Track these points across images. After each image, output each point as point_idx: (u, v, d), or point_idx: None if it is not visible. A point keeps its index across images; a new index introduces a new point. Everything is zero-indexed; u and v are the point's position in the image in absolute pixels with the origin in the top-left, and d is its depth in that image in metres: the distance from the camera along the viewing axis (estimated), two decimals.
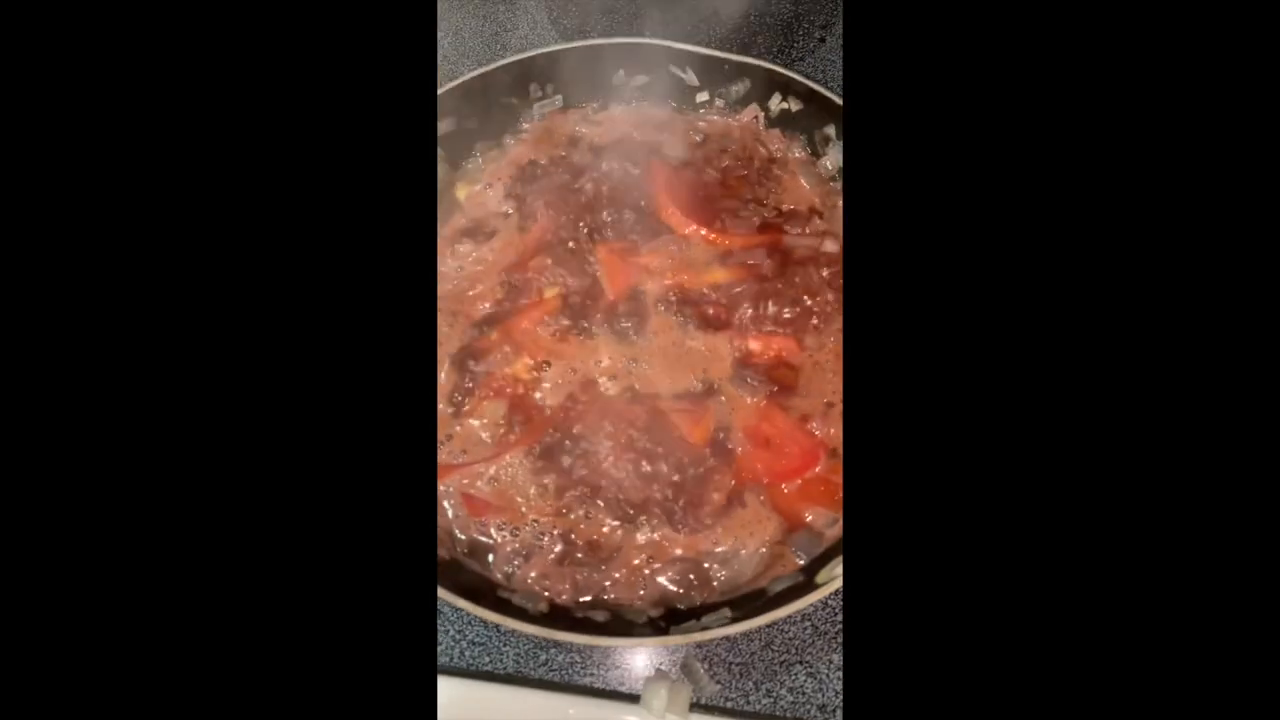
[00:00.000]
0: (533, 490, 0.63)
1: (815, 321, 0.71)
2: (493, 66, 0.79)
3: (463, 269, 0.75)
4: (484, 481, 0.64)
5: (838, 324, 0.71)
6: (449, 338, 0.71)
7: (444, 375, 0.69)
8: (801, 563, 0.62)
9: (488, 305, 0.72)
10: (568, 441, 0.64)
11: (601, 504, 0.62)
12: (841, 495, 0.63)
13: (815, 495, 0.64)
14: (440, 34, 1.02)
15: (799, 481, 0.64)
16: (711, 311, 0.70)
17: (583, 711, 0.62)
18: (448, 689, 0.62)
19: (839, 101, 0.77)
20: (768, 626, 0.65)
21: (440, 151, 0.78)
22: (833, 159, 0.81)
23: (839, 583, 0.57)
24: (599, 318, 0.70)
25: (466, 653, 0.64)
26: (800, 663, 0.64)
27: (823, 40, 1.01)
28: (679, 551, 0.62)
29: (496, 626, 0.65)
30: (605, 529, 0.62)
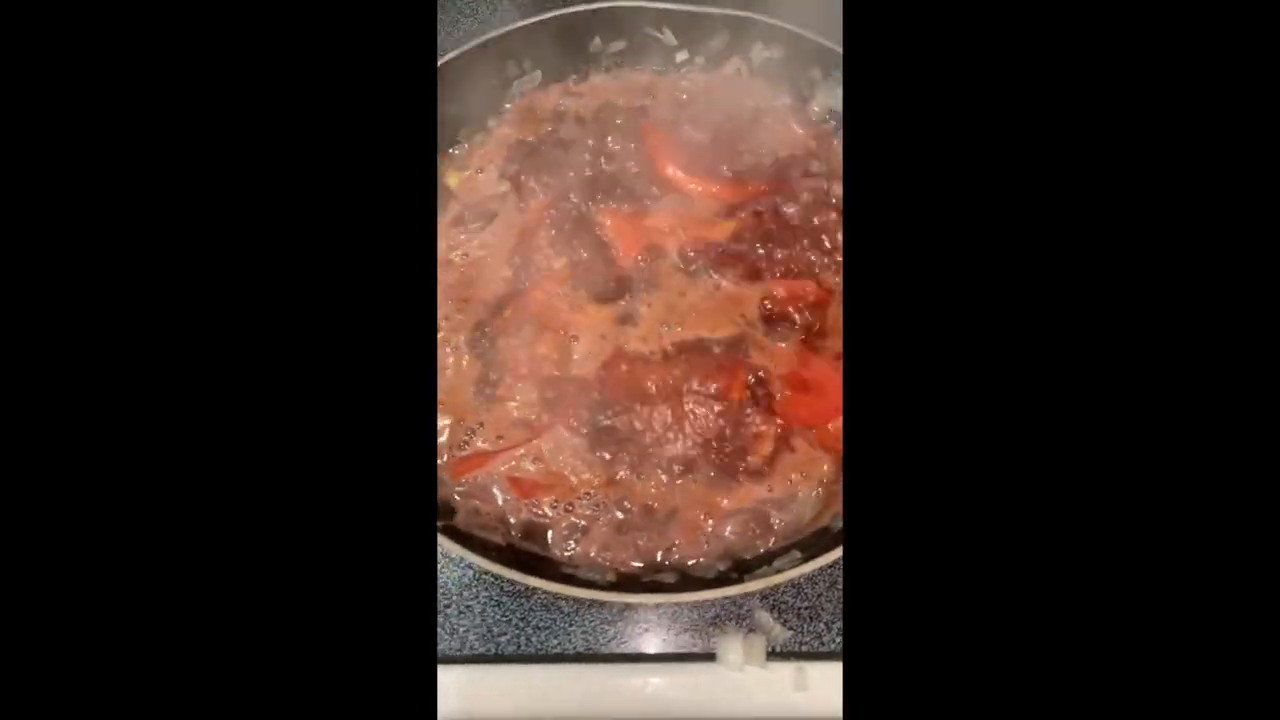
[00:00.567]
0: (578, 463, 0.62)
1: (827, 261, 0.71)
2: (465, 48, 0.77)
3: (468, 255, 0.73)
4: (529, 463, 0.63)
5: None
6: (463, 325, 0.69)
7: (465, 363, 0.67)
8: None
9: (499, 287, 0.71)
10: (607, 409, 0.63)
11: (651, 466, 0.62)
12: None
13: None
14: None
15: (842, 420, 0.64)
16: (730, 263, 0.70)
17: (663, 678, 0.61)
18: (515, 675, 0.61)
19: (822, 42, 0.77)
20: (830, 567, 0.65)
21: None
22: (820, 101, 0.81)
23: None
24: (614, 284, 0.69)
25: (533, 639, 0.63)
26: None
27: None
28: (736, 503, 0.61)
29: (561, 609, 0.64)
30: (655, 490, 0.62)
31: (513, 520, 0.61)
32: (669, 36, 0.83)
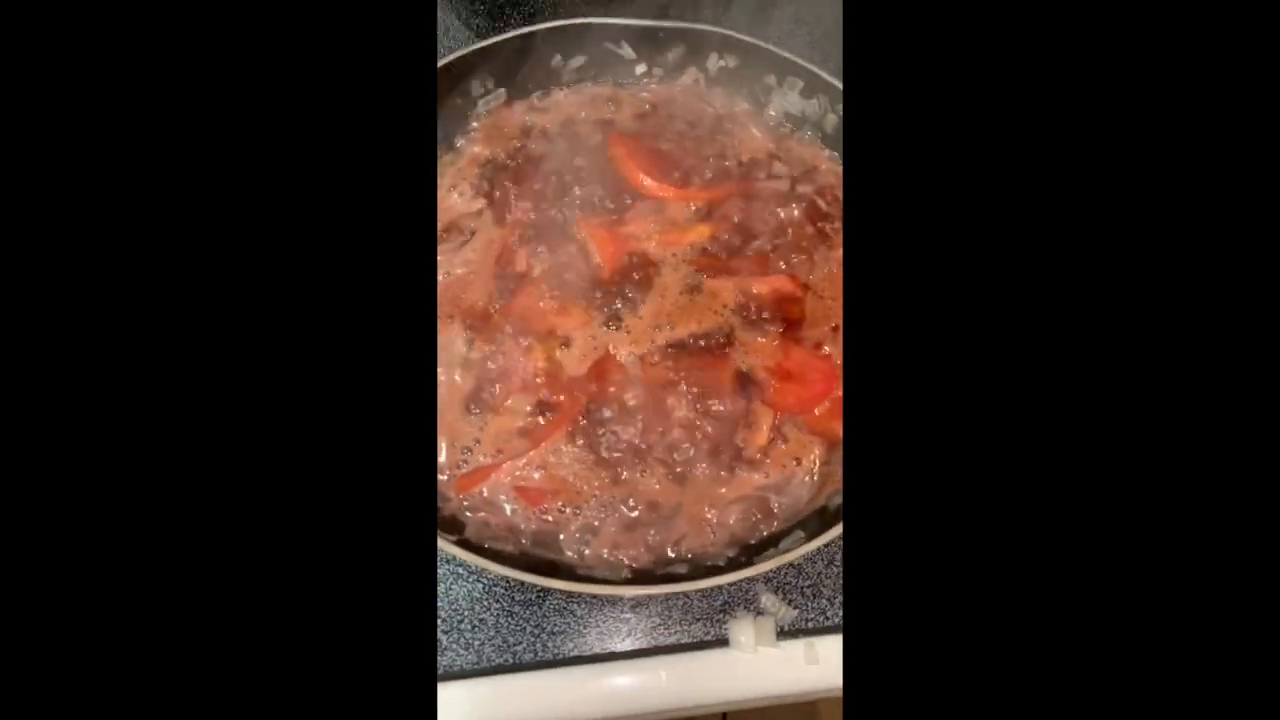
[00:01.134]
0: (581, 467, 0.64)
1: (799, 257, 0.75)
2: None
3: (450, 274, 0.74)
4: (534, 471, 0.64)
5: (822, 252, 0.75)
6: (453, 341, 0.70)
7: (458, 378, 0.68)
8: None
9: (484, 302, 0.72)
10: (605, 411, 0.65)
11: (652, 463, 0.64)
12: None
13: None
14: None
15: (827, 403, 0.68)
16: (709, 263, 0.73)
17: (680, 667, 0.63)
18: (535, 681, 0.62)
19: (774, 50, 0.81)
20: (827, 545, 0.68)
21: None
22: (776, 105, 0.85)
23: None
24: (599, 291, 0.71)
25: (549, 644, 0.64)
26: None
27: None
28: (736, 492, 0.64)
29: (573, 612, 0.65)
30: (658, 486, 0.64)
31: (523, 528, 0.62)
32: (627, 50, 0.85)
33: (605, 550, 0.61)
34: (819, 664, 0.63)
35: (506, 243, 0.75)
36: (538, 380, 0.67)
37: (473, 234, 0.76)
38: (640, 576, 0.59)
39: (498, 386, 0.67)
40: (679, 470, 0.64)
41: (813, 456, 0.66)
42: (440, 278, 0.73)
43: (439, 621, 0.64)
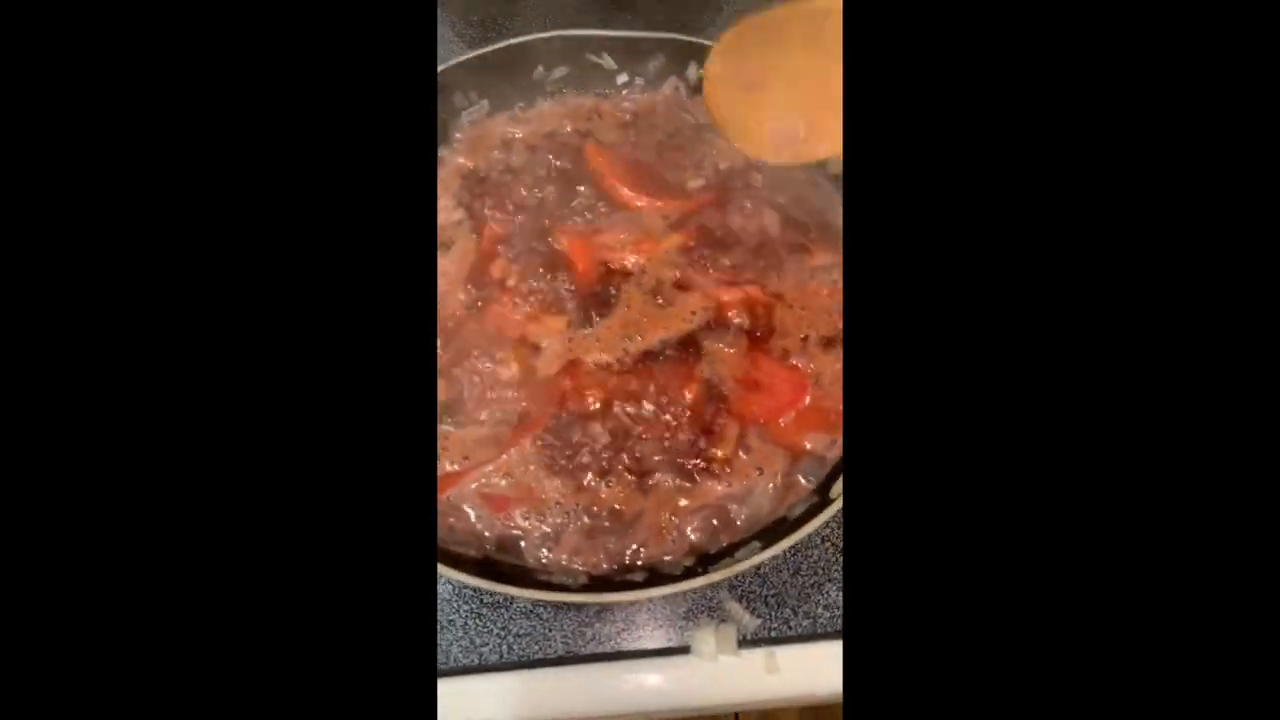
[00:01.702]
0: (545, 474, 0.65)
1: (773, 267, 0.75)
2: None
3: None
4: (500, 478, 0.65)
5: (796, 261, 0.75)
6: None
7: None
8: (811, 485, 0.65)
9: (458, 311, 0.73)
10: (571, 421, 0.66)
11: (617, 472, 0.65)
12: (836, 419, 0.67)
13: (811, 423, 0.68)
14: None
15: (793, 414, 0.68)
16: (679, 274, 0.73)
17: (641, 673, 0.64)
18: (500, 683, 0.63)
19: None
20: (793, 555, 0.69)
21: None
22: None
23: None
24: (572, 300, 0.72)
25: (514, 646, 0.65)
26: (829, 580, 0.68)
27: (720, 10, 1.06)
28: (698, 502, 0.65)
29: (539, 615, 0.66)
30: (622, 495, 0.65)
31: (487, 534, 0.64)
32: (609, 61, 0.86)
33: (565, 555, 0.62)
34: (779, 673, 0.64)
35: (482, 252, 0.76)
36: (508, 389, 0.68)
37: (451, 245, 0.78)
38: (596, 583, 0.60)
39: (466, 393, 0.68)
40: (641, 479, 0.65)
41: (776, 468, 0.66)
42: None
43: None
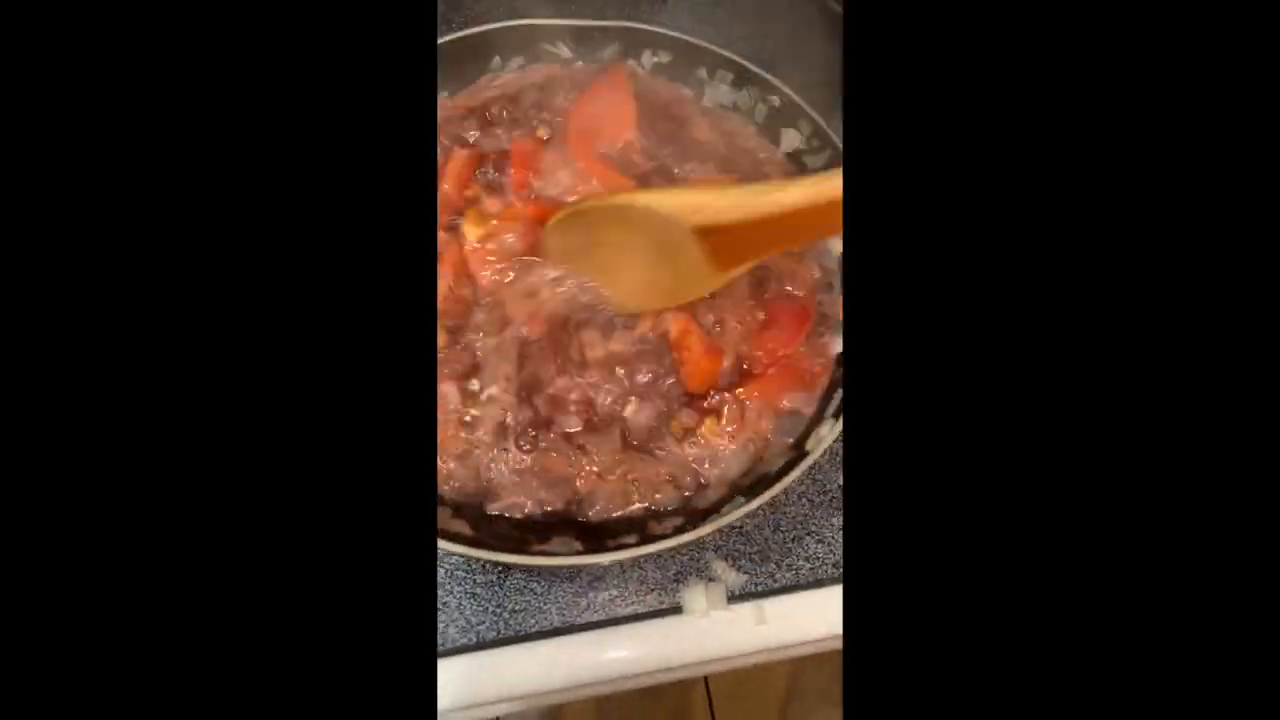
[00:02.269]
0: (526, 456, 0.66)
1: None
2: None
3: None
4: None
5: None
6: None
7: None
8: (790, 441, 0.69)
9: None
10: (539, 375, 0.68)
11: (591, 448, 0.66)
12: (811, 378, 0.71)
13: (790, 383, 0.71)
14: None
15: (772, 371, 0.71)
16: None
17: (637, 636, 0.66)
18: (496, 659, 0.64)
19: (705, 45, 0.84)
20: (772, 512, 0.72)
21: None
22: (710, 97, 0.88)
23: (825, 444, 0.64)
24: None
25: (510, 622, 0.66)
26: (808, 534, 0.72)
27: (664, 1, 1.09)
28: (669, 467, 0.67)
29: (533, 590, 0.68)
30: (597, 469, 0.66)
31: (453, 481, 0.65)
32: (564, 49, 0.88)
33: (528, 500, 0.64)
34: (767, 624, 0.67)
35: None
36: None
37: None
38: (591, 547, 0.62)
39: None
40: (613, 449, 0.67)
41: (751, 431, 0.69)
42: None
43: None
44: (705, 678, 1.56)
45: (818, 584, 0.69)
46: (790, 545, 0.71)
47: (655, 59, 0.88)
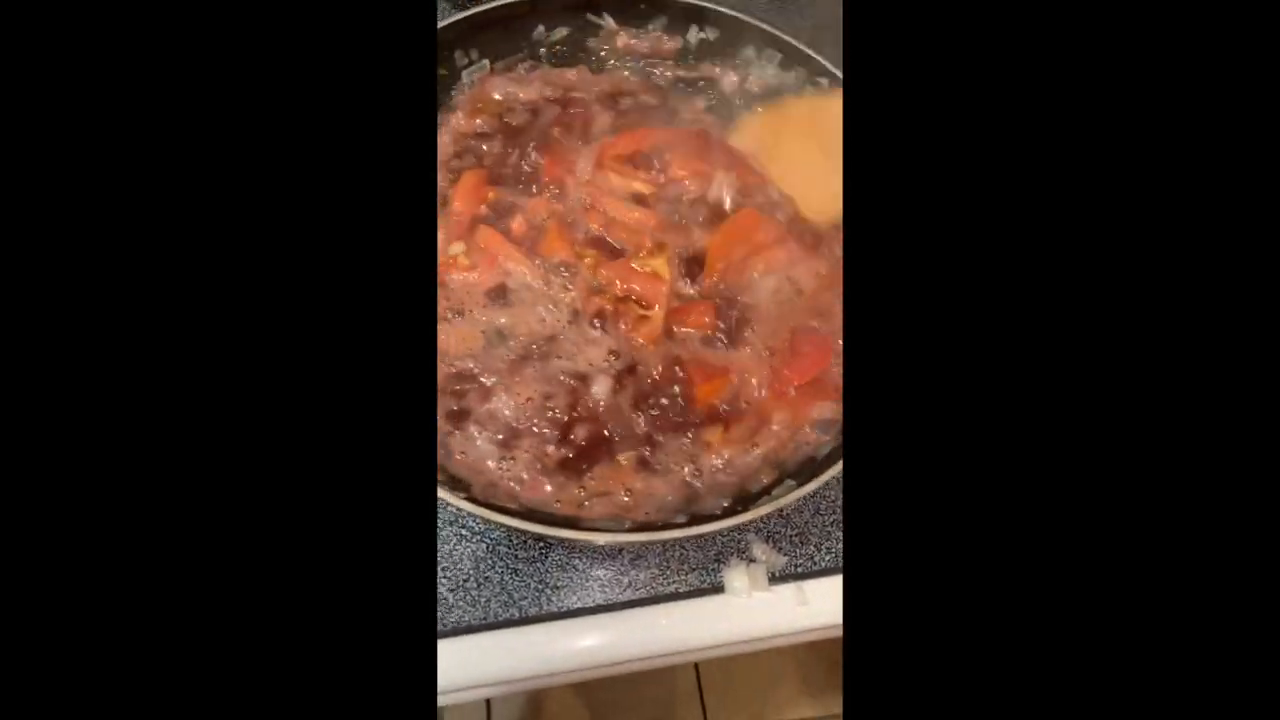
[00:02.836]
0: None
1: None
2: None
3: None
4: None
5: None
6: None
7: None
8: (826, 437, 0.69)
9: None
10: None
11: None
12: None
13: (820, 393, 0.70)
14: None
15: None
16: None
17: (679, 614, 0.66)
18: (538, 634, 0.65)
19: (755, 23, 0.83)
20: (813, 497, 0.72)
21: None
22: (755, 80, 0.87)
23: None
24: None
25: (552, 599, 0.66)
26: None
27: None
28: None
29: (575, 567, 0.68)
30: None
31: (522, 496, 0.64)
32: (609, 21, 0.86)
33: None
34: (808, 604, 0.67)
35: (474, 214, 0.75)
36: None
37: (446, 203, 0.76)
38: (641, 525, 0.62)
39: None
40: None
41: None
42: None
43: (446, 581, 0.66)
44: (696, 665, 1.57)
45: None
46: (830, 529, 0.71)
47: (701, 35, 0.87)
